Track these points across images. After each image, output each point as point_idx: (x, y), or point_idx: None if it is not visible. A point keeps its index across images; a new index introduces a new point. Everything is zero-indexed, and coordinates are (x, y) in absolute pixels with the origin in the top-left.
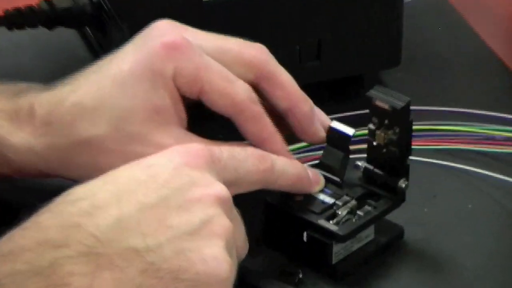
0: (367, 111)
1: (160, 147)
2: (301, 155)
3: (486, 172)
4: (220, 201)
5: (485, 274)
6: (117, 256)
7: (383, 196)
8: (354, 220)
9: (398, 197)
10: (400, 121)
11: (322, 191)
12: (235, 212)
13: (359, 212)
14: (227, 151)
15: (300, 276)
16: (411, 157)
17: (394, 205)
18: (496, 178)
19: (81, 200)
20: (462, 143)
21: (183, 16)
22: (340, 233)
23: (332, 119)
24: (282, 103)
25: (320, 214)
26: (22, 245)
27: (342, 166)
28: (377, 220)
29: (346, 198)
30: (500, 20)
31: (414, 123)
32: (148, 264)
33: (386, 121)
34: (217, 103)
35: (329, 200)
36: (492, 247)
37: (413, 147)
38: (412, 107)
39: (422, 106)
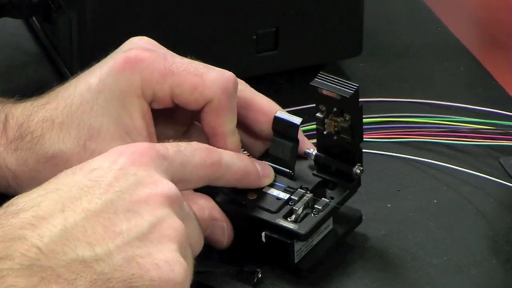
0: None
1: None
2: None
3: (452, 166)
4: (169, 200)
5: (450, 271)
6: (63, 268)
7: (339, 184)
8: (312, 214)
9: (354, 184)
10: (350, 108)
11: (274, 185)
12: (186, 209)
13: (317, 206)
14: (172, 147)
15: (259, 275)
16: (373, 151)
17: (351, 192)
18: (462, 171)
19: (24, 211)
20: (427, 135)
21: (133, 4)
22: (301, 231)
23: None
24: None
25: (276, 212)
26: None
27: (292, 157)
28: (336, 210)
29: (301, 191)
30: (467, 10)
31: (376, 115)
32: (97, 275)
33: (335, 109)
34: (189, 99)
35: (283, 195)
36: (458, 243)
37: (375, 140)
38: (374, 98)
39: (385, 98)
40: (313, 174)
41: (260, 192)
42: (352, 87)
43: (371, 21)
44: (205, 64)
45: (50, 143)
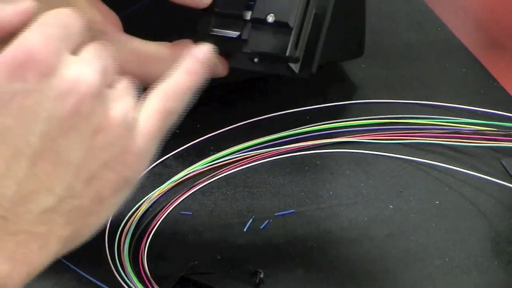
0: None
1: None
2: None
3: (454, 167)
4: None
5: (452, 272)
6: (34, 224)
7: None
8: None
9: None
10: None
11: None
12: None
13: None
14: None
15: (261, 275)
16: (375, 152)
17: None
18: (463, 173)
19: None
20: (428, 136)
21: None
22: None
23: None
24: None
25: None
26: None
27: None
28: None
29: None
30: (469, 12)
31: (378, 116)
32: (68, 213)
33: None
34: None
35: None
36: (459, 244)
37: (378, 141)
38: (376, 100)
39: (387, 99)
40: None
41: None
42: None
43: (372, 23)
44: None
45: None
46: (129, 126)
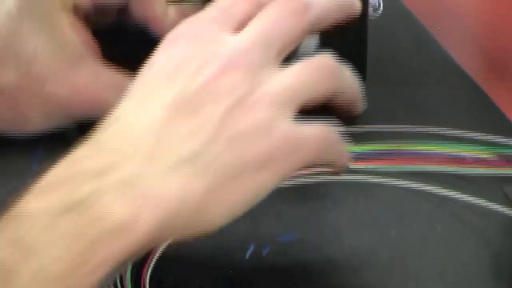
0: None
1: (73, 86)
2: None
3: (455, 193)
4: (243, 64)
5: None
6: (168, 170)
7: None
8: None
9: None
10: None
11: None
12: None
13: None
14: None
15: None
16: (376, 178)
17: None
18: (465, 199)
19: (110, 125)
20: (429, 162)
21: None
22: None
23: None
24: None
25: None
26: (54, 181)
27: None
28: None
29: None
30: (470, 37)
31: (379, 141)
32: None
33: None
34: None
35: None
36: (461, 270)
37: (379, 167)
38: (377, 126)
39: (388, 125)
40: None
41: None
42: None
43: (373, 49)
44: None
45: None
46: (283, 109)
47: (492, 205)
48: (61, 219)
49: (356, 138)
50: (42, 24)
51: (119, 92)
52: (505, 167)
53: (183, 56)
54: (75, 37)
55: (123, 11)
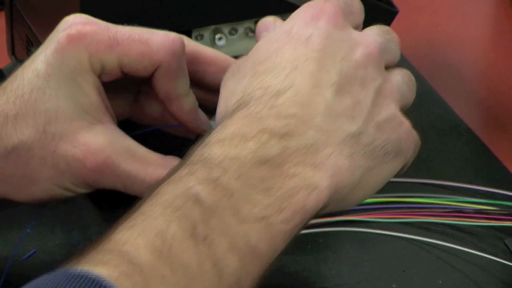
0: None
1: (89, 147)
2: None
3: (457, 246)
4: (380, 55)
5: None
6: (341, 144)
7: None
8: None
9: None
10: None
11: None
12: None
13: None
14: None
15: None
16: (377, 231)
17: None
18: (466, 252)
19: (282, 92)
20: (431, 215)
21: None
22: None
23: None
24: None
25: None
26: (244, 133)
27: None
28: None
29: None
30: (471, 91)
31: (380, 195)
32: (363, 146)
33: None
34: (138, 67)
35: None
36: None
37: (381, 220)
38: None
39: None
40: None
41: None
42: None
43: None
44: (149, 29)
45: (7, 137)
46: (399, 105)
47: (494, 258)
48: (256, 169)
49: None
50: (68, 84)
51: (131, 160)
52: (506, 220)
53: (333, 36)
54: (97, 100)
55: (147, 82)
